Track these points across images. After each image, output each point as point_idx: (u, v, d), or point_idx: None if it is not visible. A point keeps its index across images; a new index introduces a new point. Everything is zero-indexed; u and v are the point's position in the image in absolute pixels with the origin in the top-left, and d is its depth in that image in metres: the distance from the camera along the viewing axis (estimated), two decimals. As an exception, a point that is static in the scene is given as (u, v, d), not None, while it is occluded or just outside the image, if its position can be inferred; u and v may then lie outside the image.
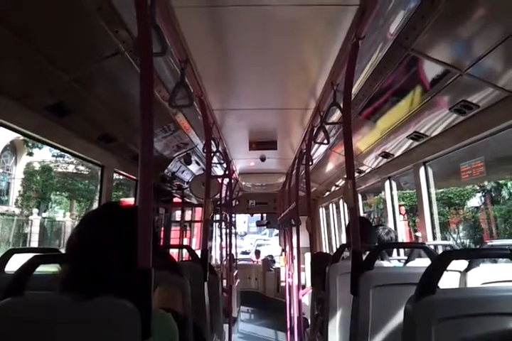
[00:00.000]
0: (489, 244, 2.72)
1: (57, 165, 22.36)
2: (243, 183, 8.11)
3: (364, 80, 2.89)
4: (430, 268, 1.40)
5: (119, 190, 17.11)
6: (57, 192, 22.95)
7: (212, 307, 3.16)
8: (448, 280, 2.17)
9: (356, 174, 5.17)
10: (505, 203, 9.63)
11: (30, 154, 22.63)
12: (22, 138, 19.49)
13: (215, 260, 9.33)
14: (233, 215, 7.84)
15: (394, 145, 3.95)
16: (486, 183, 9.76)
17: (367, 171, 5.18)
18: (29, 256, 1.48)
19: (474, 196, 10.54)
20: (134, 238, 1.28)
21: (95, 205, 13.99)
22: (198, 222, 8.23)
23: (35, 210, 20.91)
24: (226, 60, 2.72)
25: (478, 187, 10.26)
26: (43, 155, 22.31)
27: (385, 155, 4.26)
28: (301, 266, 5.37)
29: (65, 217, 22.70)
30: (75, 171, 22.48)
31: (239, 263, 10.51)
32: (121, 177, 4.68)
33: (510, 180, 9.30)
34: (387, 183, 4.74)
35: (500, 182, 9.60)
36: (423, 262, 2.61)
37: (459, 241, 10.31)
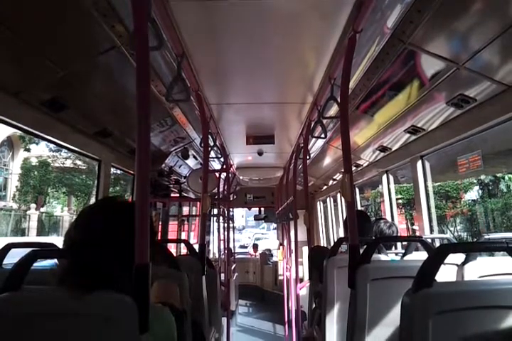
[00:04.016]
0: (486, 237, 2.72)
1: (55, 160, 22.32)
2: (241, 177, 8.11)
3: (361, 74, 2.89)
4: (427, 261, 1.40)
5: (117, 184, 17.08)
6: (55, 187, 22.93)
7: (210, 301, 3.17)
8: (445, 274, 2.18)
9: (354, 168, 5.18)
10: (502, 196, 9.65)
11: (28, 149, 22.56)
12: (19, 133, 19.44)
13: (213, 254, 9.35)
14: (231, 209, 7.85)
15: (391, 139, 3.95)
16: (483, 177, 9.78)
17: (364, 165, 5.19)
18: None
19: (471, 189, 10.56)
20: (131, 233, 1.29)
21: (93, 200, 13.97)
22: (195, 216, 8.24)
23: (32, 205, 20.90)
24: (223, 54, 2.71)
25: (475, 181, 10.27)
26: (40, 150, 22.25)
27: (383, 149, 4.26)
28: (299, 259, 5.40)
29: (63, 211, 22.70)
30: (72, 166, 22.45)
31: (237, 257, 10.54)
32: (119, 171, 4.67)
33: (507, 173, 9.31)
34: (384, 177, 4.75)
35: (498, 175, 9.61)
36: (420, 255, 2.62)
37: (456, 234, 10.34)
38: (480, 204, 10.07)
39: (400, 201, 8.85)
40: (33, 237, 19.49)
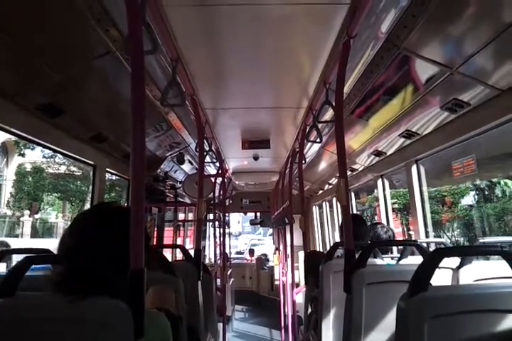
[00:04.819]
0: (481, 241, 2.73)
1: (49, 166, 22.22)
2: (236, 182, 8.11)
3: (356, 79, 2.90)
4: (422, 265, 1.40)
5: (112, 190, 17.03)
6: (49, 194, 22.81)
7: (206, 307, 3.16)
8: (440, 278, 2.18)
9: (349, 172, 5.19)
10: (498, 201, 9.67)
11: (22, 155, 22.43)
12: (13, 139, 19.35)
13: (209, 259, 9.32)
14: (227, 214, 7.83)
15: (386, 144, 3.96)
16: (479, 182, 9.80)
17: (360, 169, 5.20)
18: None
19: (468, 194, 10.56)
20: (126, 238, 1.28)
21: (88, 206, 13.93)
22: (191, 221, 8.22)
23: (26, 212, 20.78)
24: (218, 58, 2.71)
25: (472, 186, 10.29)
26: (35, 156, 22.18)
27: (378, 153, 4.27)
28: (295, 264, 5.38)
29: (58, 218, 22.58)
30: (67, 172, 22.35)
31: (233, 262, 10.51)
32: (114, 177, 4.66)
33: (502, 178, 9.33)
34: (379, 181, 4.76)
35: (494, 180, 9.63)
36: (416, 260, 2.62)
37: (454, 239, 10.34)
38: (477, 209, 10.09)
39: (397, 206, 8.85)
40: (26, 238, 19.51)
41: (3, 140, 20.75)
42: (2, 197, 21.65)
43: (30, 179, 21.91)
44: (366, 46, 2.45)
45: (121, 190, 15.25)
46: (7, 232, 19.75)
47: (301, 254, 6.89)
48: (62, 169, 22.32)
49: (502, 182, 9.66)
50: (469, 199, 10.54)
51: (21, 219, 20.55)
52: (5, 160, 22.52)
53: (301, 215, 4.24)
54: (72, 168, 21.95)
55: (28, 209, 21.15)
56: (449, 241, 9.08)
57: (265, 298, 10.54)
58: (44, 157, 21.98)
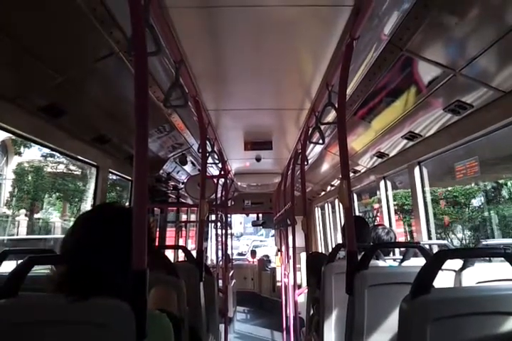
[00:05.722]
0: (484, 243, 2.73)
1: (48, 165, 22.17)
2: (239, 183, 8.11)
3: (359, 81, 2.90)
4: (425, 267, 1.40)
5: (112, 190, 16.98)
6: (50, 195, 22.77)
7: (208, 308, 3.16)
8: (443, 280, 2.17)
9: (351, 174, 5.18)
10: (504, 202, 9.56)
11: (19, 154, 22.36)
12: (13, 137, 19.30)
13: (211, 260, 9.32)
14: (229, 215, 7.83)
15: (389, 145, 3.96)
16: (488, 182, 9.71)
17: (362, 171, 5.19)
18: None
19: (479, 195, 10.41)
20: (129, 239, 1.28)
21: (85, 205, 13.93)
22: (193, 222, 8.22)
23: (22, 211, 20.72)
24: (221, 60, 2.71)
25: (483, 186, 10.17)
26: (35, 155, 22.13)
27: (380, 155, 4.27)
28: (297, 265, 5.38)
29: (56, 217, 22.54)
30: (65, 171, 22.30)
31: (235, 263, 10.51)
32: (114, 177, 4.66)
33: (509, 179, 9.25)
34: (382, 183, 4.76)
35: (501, 181, 9.53)
36: (418, 261, 2.62)
37: (464, 241, 10.24)
38: (492, 209, 9.97)
39: (407, 207, 8.78)
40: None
41: (3, 138, 20.69)
42: (2, 196, 21.60)
43: (29, 178, 21.89)
44: (369, 48, 2.45)
45: (121, 189, 15.22)
46: (1, 232, 19.69)
47: (303, 256, 6.90)
48: (62, 168, 22.25)
49: (509, 184, 9.56)
50: (482, 200, 10.42)
51: (17, 218, 20.49)
52: (5, 159, 22.48)
53: (303, 217, 4.23)
54: (72, 167, 21.89)
55: (26, 208, 21.09)
56: (459, 243, 9.04)
57: (267, 299, 10.54)
58: (43, 156, 21.93)
